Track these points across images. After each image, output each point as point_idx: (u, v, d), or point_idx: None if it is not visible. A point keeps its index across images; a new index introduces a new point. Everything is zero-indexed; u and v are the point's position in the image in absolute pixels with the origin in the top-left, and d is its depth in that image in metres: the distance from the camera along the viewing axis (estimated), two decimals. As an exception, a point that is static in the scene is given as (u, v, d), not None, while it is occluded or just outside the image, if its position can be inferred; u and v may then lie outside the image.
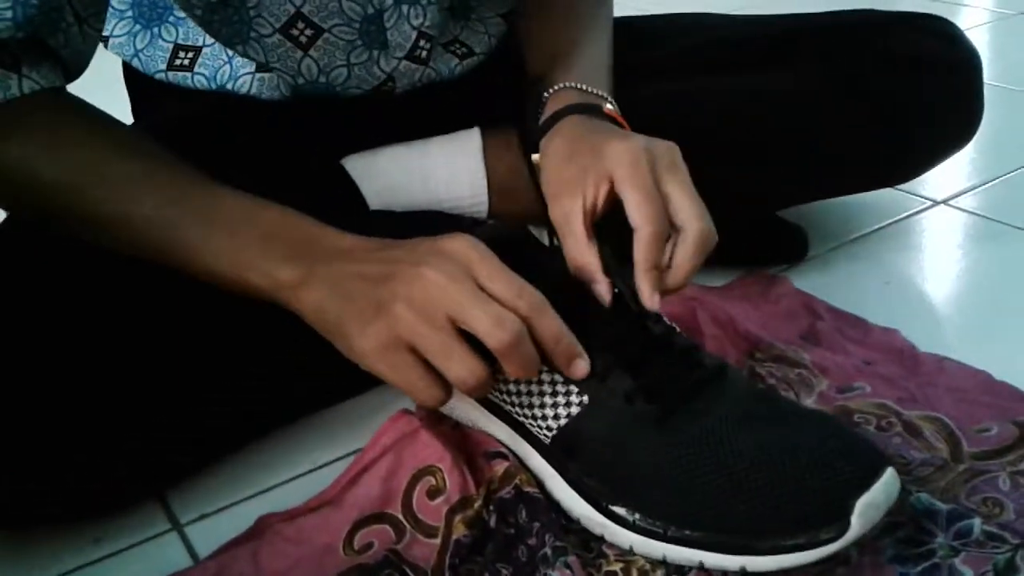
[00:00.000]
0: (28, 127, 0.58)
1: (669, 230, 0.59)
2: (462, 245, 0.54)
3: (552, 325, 0.54)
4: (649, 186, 0.58)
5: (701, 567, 0.54)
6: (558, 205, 0.62)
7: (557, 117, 0.67)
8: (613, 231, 0.60)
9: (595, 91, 0.70)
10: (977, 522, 0.56)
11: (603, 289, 0.59)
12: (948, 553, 0.54)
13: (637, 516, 0.55)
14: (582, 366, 0.56)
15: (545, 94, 0.71)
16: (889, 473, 0.52)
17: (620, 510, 0.56)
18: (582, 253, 0.60)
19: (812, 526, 0.51)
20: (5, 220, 0.68)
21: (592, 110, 0.68)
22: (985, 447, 0.62)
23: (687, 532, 0.54)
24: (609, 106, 0.69)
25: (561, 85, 0.70)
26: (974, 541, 0.55)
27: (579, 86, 0.70)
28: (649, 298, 0.58)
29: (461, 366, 0.52)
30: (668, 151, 0.61)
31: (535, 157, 0.68)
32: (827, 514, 0.51)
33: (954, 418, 0.65)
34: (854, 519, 0.51)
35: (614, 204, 0.60)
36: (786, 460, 0.53)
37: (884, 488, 0.52)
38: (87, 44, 0.62)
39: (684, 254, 0.59)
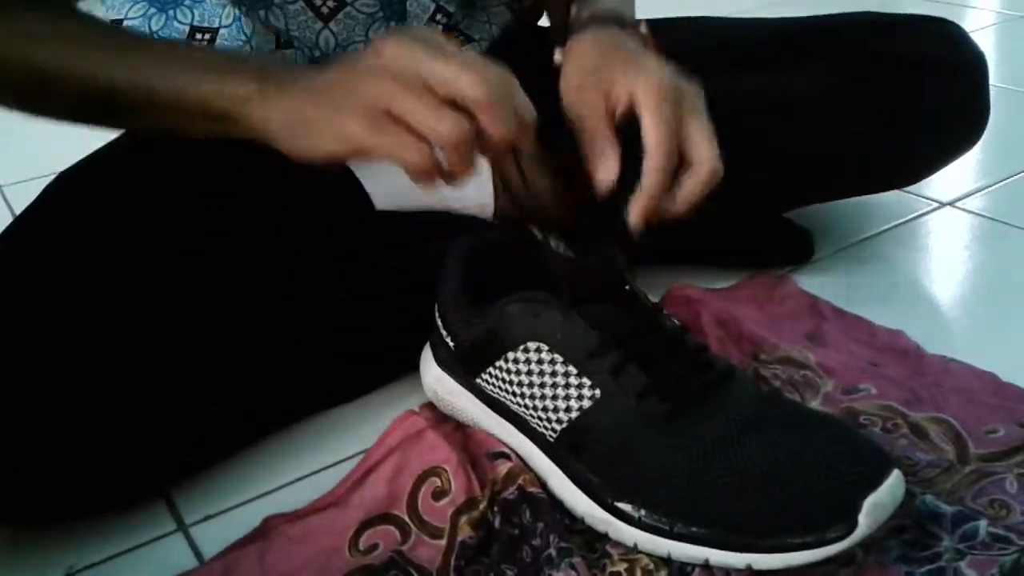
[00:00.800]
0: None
1: (677, 162, 0.61)
2: (422, 33, 0.56)
3: (517, 92, 0.55)
4: (669, 117, 0.61)
5: (706, 565, 0.54)
6: (581, 98, 0.64)
7: (592, 20, 0.69)
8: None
9: (627, 15, 0.72)
10: (983, 524, 0.55)
11: (610, 168, 0.61)
12: (954, 556, 0.54)
13: (643, 512, 0.55)
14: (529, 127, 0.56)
15: (575, 7, 0.73)
16: (896, 474, 0.53)
17: (625, 506, 0.56)
18: (604, 140, 0.62)
19: (819, 525, 0.51)
20: (9, 225, 0.69)
21: (627, 25, 0.70)
22: (992, 449, 0.62)
23: (693, 529, 0.54)
24: (644, 29, 0.71)
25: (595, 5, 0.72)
26: (980, 543, 0.55)
27: (613, 7, 0.72)
28: (636, 217, 0.61)
29: (444, 122, 0.52)
30: (696, 94, 0.63)
31: (557, 55, 0.69)
32: (834, 513, 0.51)
33: (960, 420, 0.65)
34: (861, 518, 0.51)
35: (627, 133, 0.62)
36: (793, 461, 0.53)
37: (891, 489, 0.52)
38: None
39: (692, 184, 0.62)
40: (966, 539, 0.55)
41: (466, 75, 0.53)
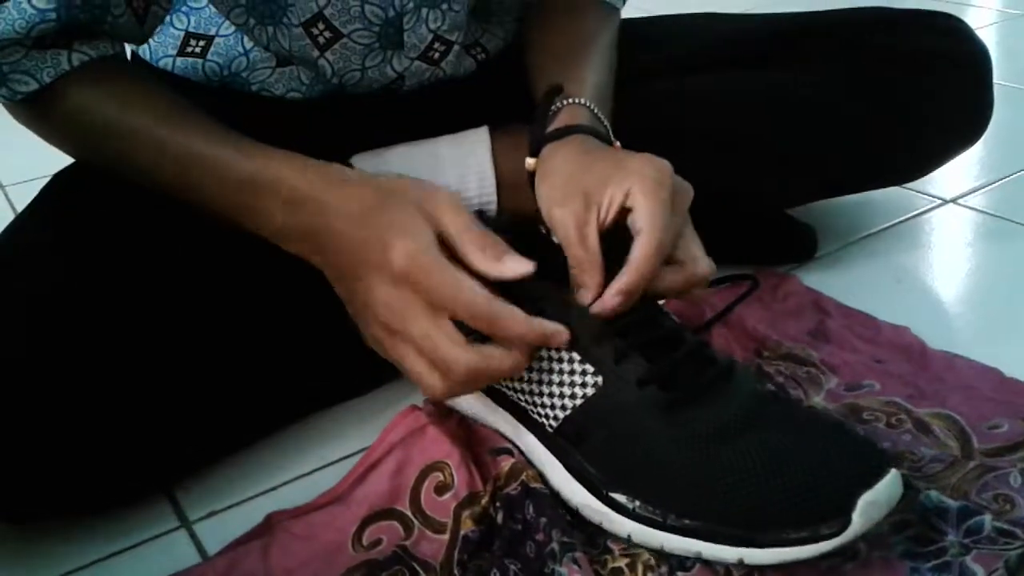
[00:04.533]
0: (79, 82, 0.62)
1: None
2: (405, 263, 0.55)
3: (512, 327, 0.55)
4: (668, 202, 0.58)
5: (699, 557, 0.54)
6: (564, 212, 0.60)
7: (571, 131, 0.66)
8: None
9: (603, 120, 0.69)
10: (987, 519, 0.55)
11: (607, 304, 0.58)
12: (959, 551, 0.54)
13: (637, 503, 0.55)
14: (562, 333, 0.56)
15: (557, 104, 0.68)
16: (893, 474, 0.52)
17: (620, 497, 0.56)
18: (591, 264, 0.59)
19: (813, 521, 0.51)
20: (11, 223, 0.69)
21: (604, 139, 0.66)
22: (996, 443, 0.62)
23: (686, 521, 0.54)
24: (617, 144, 0.68)
25: (574, 100, 0.68)
26: (985, 538, 0.54)
27: (591, 107, 0.68)
28: (612, 297, 0.57)
29: (425, 377, 0.56)
30: (689, 191, 0.61)
31: (530, 161, 0.66)
32: (828, 509, 0.51)
33: (964, 415, 0.65)
34: (855, 516, 0.50)
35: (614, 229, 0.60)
36: (789, 458, 0.53)
37: (887, 488, 0.52)
38: (146, 26, 0.66)
39: (679, 281, 0.60)
40: (971, 534, 0.55)
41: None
